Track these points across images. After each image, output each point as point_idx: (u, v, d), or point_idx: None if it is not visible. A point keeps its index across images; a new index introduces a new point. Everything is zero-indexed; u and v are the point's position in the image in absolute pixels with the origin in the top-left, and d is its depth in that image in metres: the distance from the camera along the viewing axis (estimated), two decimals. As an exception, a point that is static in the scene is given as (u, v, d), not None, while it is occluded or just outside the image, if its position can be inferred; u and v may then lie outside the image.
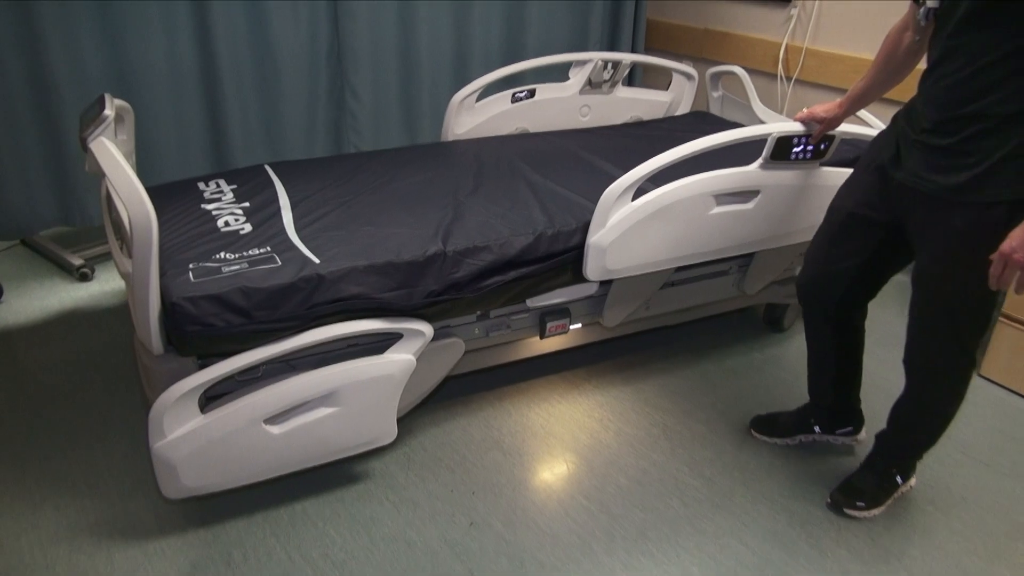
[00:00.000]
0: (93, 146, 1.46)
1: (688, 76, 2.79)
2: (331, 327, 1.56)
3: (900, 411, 1.66)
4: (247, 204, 1.86)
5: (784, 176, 1.88)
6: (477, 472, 1.81)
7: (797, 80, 2.97)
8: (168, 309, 1.43)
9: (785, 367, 2.27)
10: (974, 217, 1.33)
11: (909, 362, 1.58)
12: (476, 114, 2.50)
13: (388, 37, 2.81)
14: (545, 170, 2.13)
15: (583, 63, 2.62)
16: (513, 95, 2.54)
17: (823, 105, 1.78)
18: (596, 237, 1.78)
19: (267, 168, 2.10)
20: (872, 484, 1.73)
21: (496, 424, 1.98)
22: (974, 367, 1.53)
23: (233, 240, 1.67)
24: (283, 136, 2.77)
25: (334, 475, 1.79)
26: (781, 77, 3.02)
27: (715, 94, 2.81)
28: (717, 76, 2.79)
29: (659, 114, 2.84)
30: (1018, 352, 2.15)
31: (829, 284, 1.68)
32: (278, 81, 2.66)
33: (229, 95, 2.58)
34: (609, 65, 2.61)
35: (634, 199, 1.78)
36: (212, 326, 1.45)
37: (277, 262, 1.57)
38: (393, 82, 2.91)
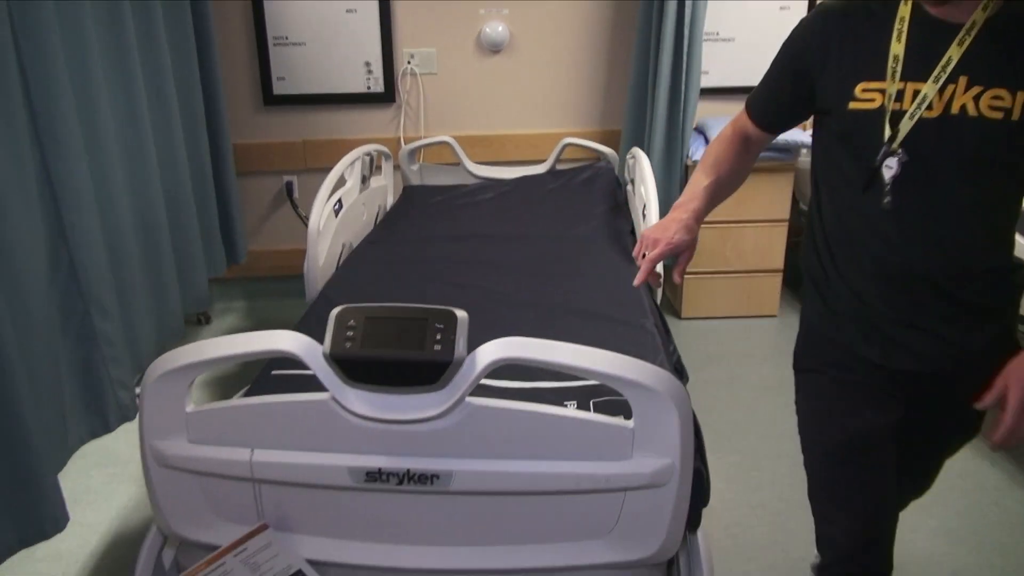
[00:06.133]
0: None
1: (386, 156, 2.93)
2: None
3: None
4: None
5: None
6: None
7: (423, 165, 3.33)
8: None
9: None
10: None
11: None
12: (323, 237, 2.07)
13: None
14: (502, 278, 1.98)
15: (353, 161, 2.47)
16: (335, 209, 2.20)
17: (666, 229, 1.28)
18: None
19: None
20: None
21: None
22: None
23: None
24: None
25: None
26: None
27: (414, 167, 3.07)
28: (413, 152, 3.08)
29: (387, 197, 2.93)
30: (703, 294, 3.22)
31: (875, 540, 1.25)
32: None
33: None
34: (371, 158, 2.62)
35: None
36: None
37: None
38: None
